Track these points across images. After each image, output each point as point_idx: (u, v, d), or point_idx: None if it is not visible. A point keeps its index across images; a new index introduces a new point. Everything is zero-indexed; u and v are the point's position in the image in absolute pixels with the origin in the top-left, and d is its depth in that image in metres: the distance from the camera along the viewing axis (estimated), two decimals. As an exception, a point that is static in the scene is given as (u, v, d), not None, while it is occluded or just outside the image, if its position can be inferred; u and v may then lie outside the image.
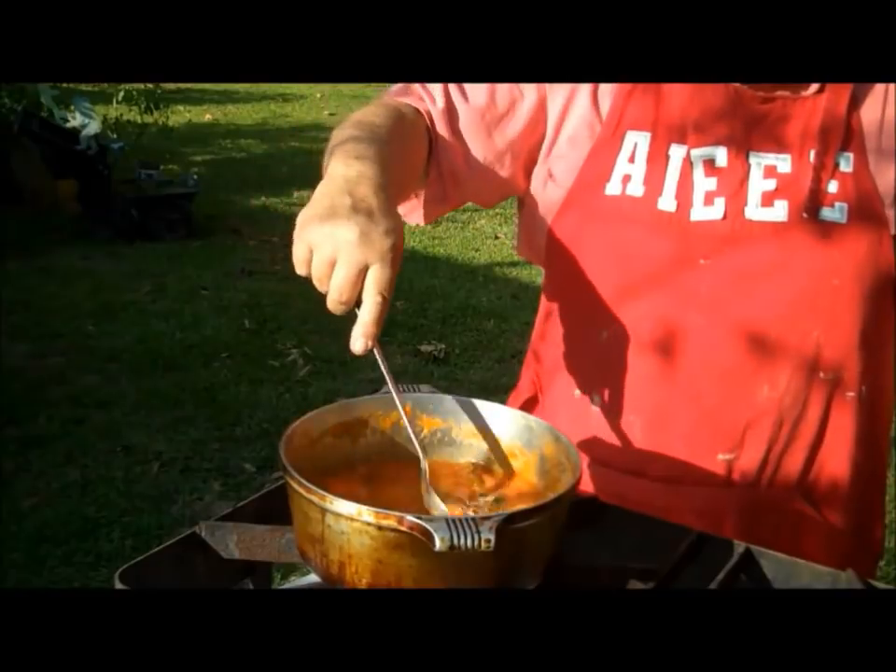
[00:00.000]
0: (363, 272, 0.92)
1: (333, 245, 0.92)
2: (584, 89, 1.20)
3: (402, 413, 0.98)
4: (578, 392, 1.25)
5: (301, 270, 0.95)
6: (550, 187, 1.24)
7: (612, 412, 1.23)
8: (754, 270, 1.16)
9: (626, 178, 1.18)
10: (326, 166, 1.04)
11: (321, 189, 0.99)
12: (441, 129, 1.22)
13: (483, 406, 1.07)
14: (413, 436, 0.99)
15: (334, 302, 0.93)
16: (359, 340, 0.93)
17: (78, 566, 3.12)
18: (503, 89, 1.22)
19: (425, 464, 0.97)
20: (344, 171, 0.99)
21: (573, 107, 1.21)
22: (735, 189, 1.16)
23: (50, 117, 6.95)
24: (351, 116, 1.16)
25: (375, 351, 0.95)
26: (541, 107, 1.23)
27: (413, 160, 1.20)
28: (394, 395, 0.99)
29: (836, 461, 1.22)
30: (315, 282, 0.94)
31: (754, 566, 0.99)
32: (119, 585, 0.87)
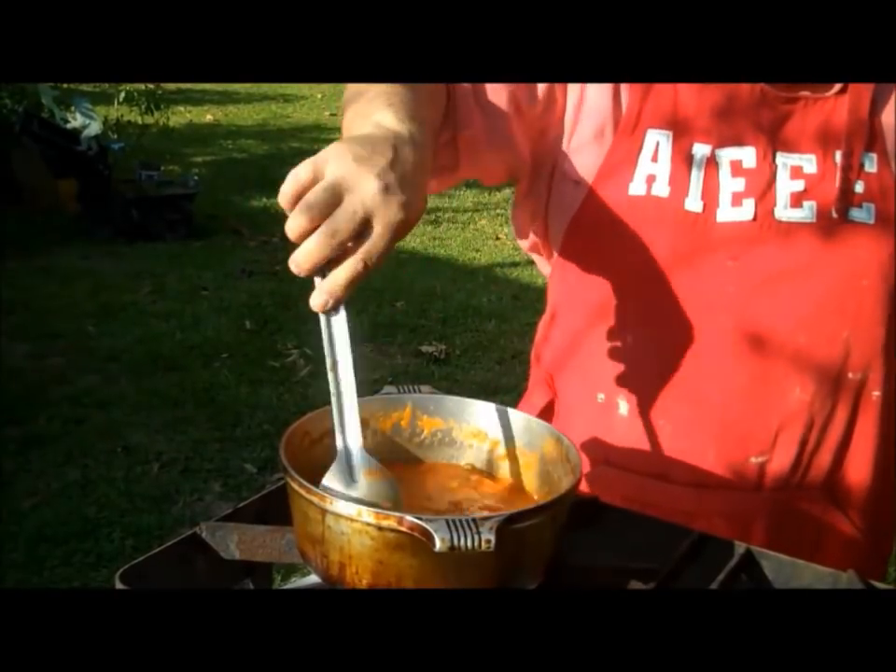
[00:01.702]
0: (364, 225, 0.83)
1: (350, 183, 0.83)
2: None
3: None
4: (602, 396, 1.24)
5: (290, 187, 0.84)
6: (569, 180, 1.21)
7: (638, 416, 1.21)
8: (783, 271, 1.15)
9: (651, 178, 1.16)
10: (366, 114, 0.96)
11: (369, 130, 0.92)
12: (465, 93, 1.17)
13: (483, 407, 1.07)
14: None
15: (320, 243, 0.82)
16: (322, 296, 0.84)
17: (78, 566, 3.13)
18: None
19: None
20: (397, 126, 0.93)
21: (593, 98, 1.19)
22: (763, 189, 1.15)
23: (51, 117, 6.96)
24: None
25: (337, 319, 0.85)
26: (552, 88, 1.18)
27: (438, 122, 1.14)
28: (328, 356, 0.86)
29: (861, 461, 1.22)
30: (304, 207, 0.83)
31: (755, 566, 0.99)
32: (119, 586, 0.87)
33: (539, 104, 1.19)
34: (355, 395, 0.87)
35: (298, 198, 0.84)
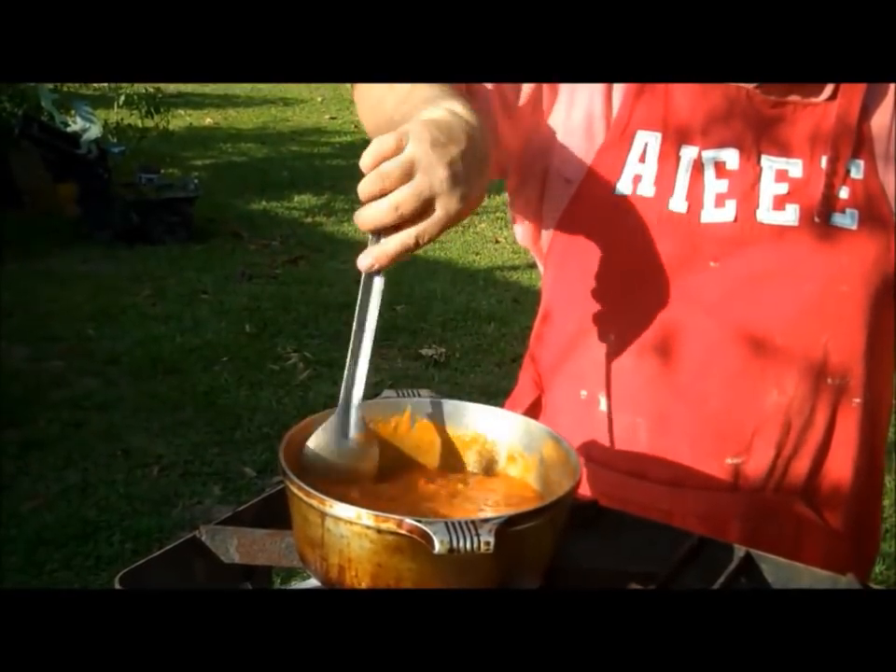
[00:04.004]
0: (426, 206, 0.89)
1: (424, 165, 0.89)
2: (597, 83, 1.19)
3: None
4: (584, 393, 1.24)
5: (373, 152, 0.90)
6: (560, 178, 1.22)
7: (617, 414, 1.22)
8: (764, 273, 1.16)
9: (637, 178, 1.17)
10: (430, 99, 1.00)
11: (443, 115, 0.95)
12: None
13: (482, 410, 1.07)
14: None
15: (385, 209, 0.88)
16: (369, 257, 0.91)
17: (78, 569, 3.13)
18: None
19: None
20: (469, 116, 0.97)
21: (585, 99, 1.20)
22: (746, 191, 1.16)
23: (51, 120, 6.96)
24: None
25: (376, 280, 0.92)
26: (540, 88, 1.20)
27: None
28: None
29: (840, 467, 1.22)
30: (378, 174, 0.89)
31: (754, 569, 0.99)
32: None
33: (528, 104, 1.20)
34: (369, 357, 0.93)
35: (377, 163, 0.90)
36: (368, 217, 0.90)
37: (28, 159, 6.75)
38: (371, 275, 0.92)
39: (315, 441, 0.95)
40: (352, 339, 0.93)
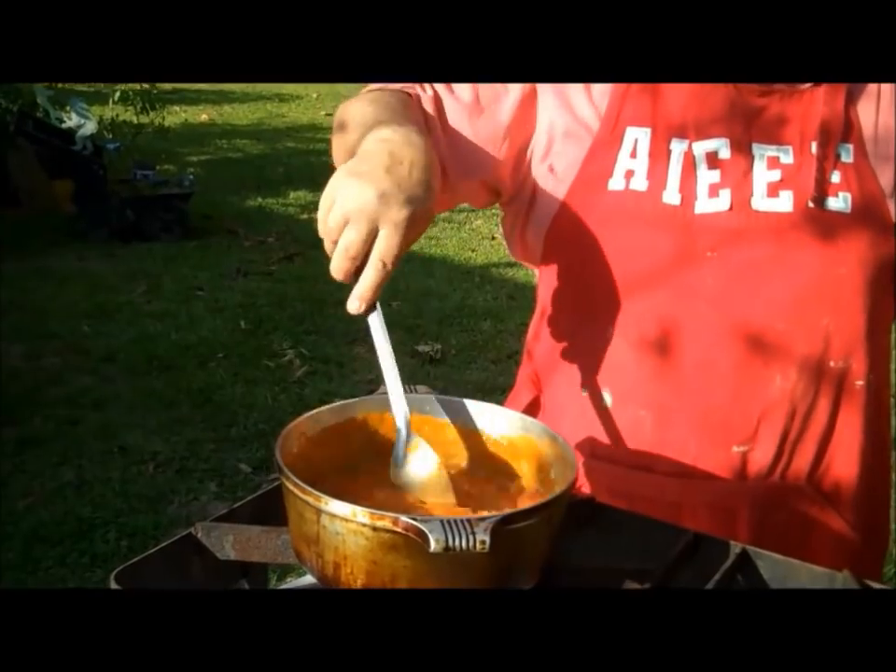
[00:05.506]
0: (373, 233, 0.93)
1: (353, 201, 0.92)
2: (578, 85, 1.20)
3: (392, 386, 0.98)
4: (587, 389, 1.24)
5: (320, 225, 0.95)
6: (551, 183, 1.23)
7: (621, 408, 1.22)
8: (762, 261, 1.16)
9: (629, 173, 1.18)
10: (358, 139, 1.02)
11: (368, 146, 0.99)
12: (430, 114, 1.22)
13: (479, 407, 1.07)
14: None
15: (340, 259, 0.93)
16: (355, 301, 0.95)
17: (73, 566, 3.13)
18: (486, 86, 1.22)
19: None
20: (391, 134, 0.99)
21: (567, 104, 1.20)
22: (739, 180, 1.16)
23: (46, 117, 6.95)
24: (360, 96, 1.16)
25: (372, 317, 0.96)
26: (527, 103, 1.22)
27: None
28: (386, 372, 0.98)
29: (846, 453, 1.23)
30: (325, 236, 0.95)
31: (750, 566, 0.99)
32: (114, 586, 0.87)
33: (517, 117, 1.22)
34: (398, 381, 0.98)
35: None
36: (334, 270, 0.95)
37: (24, 156, 6.74)
38: (364, 314, 0.96)
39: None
40: (384, 375, 0.98)
